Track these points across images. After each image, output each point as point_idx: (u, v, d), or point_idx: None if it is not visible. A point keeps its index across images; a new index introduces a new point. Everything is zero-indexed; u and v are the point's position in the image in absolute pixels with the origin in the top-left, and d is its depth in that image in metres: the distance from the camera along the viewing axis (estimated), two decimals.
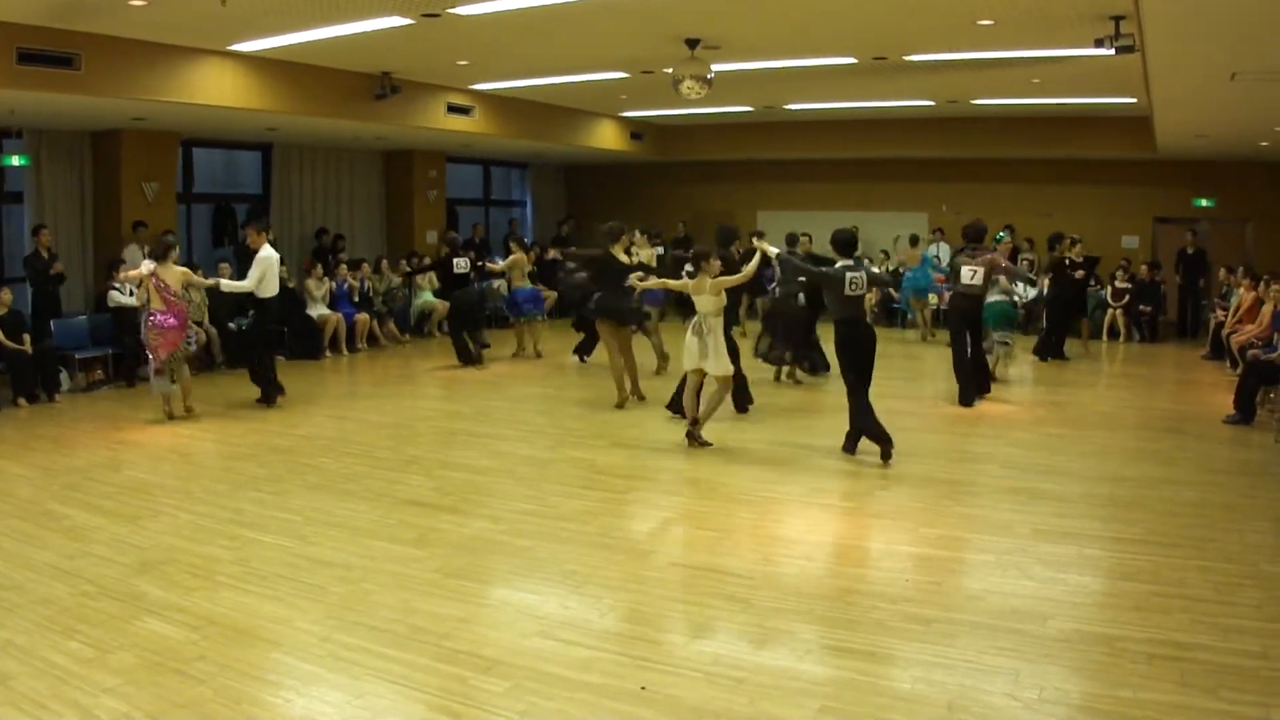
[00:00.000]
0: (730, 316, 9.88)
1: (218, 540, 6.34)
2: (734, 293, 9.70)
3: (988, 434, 9.67)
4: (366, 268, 15.63)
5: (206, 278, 11.37)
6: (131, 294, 12.23)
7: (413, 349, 14.52)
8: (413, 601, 5.34)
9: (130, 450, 8.85)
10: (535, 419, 10.23)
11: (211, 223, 16.09)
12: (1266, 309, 11.88)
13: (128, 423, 9.95)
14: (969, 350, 11.03)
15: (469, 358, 13.42)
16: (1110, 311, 16.52)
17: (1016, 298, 12.72)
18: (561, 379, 12.98)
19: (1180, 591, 5.44)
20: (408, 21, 9.57)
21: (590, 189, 23.00)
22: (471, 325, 13.73)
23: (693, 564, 5.99)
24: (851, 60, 11.83)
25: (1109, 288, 16.62)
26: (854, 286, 8.42)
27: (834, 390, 11.76)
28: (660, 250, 16.48)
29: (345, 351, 14.71)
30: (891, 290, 17.09)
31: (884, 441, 8.33)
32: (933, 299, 17.35)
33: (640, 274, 10.39)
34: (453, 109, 14.61)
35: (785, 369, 12.19)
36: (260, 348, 10.90)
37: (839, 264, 8.50)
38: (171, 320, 9.75)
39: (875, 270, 8.03)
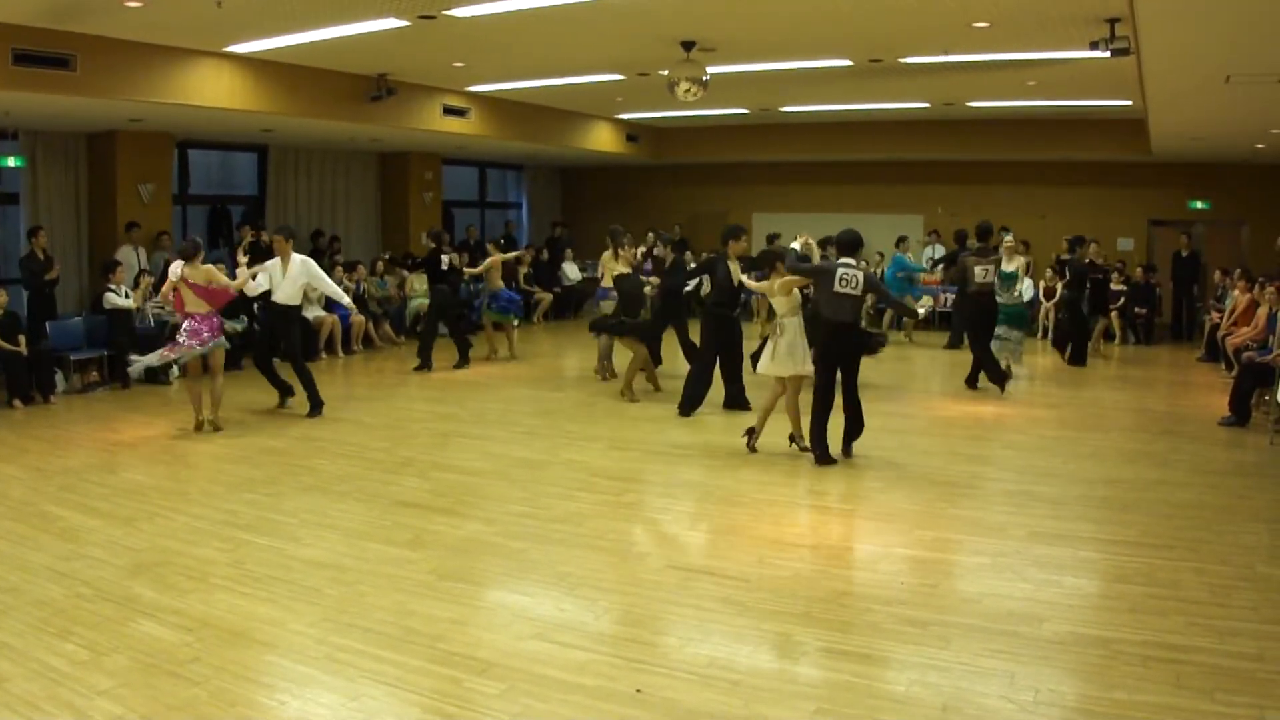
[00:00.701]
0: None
1: (212, 542, 6.33)
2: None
3: (982, 436, 9.68)
4: (362, 269, 15.60)
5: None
6: (127, 296, 12.22)
7: (408, 351, 14.46)
8: (407, 603, 5.33)
9: (125, 452, 8.84)
10: (530, 421, 10.22)
11: (207, 224, 16.07)
12: (1261, 311, 11.91)
13: (123, 424, 9.93)
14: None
15: (429, 361, 13.38)
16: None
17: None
18: (557, 381, 12.98)
19: (1175, 594, 5.44)
20: (404, 23, 9.57)
21: (586, 191, 23.01)
22: (450, 324, 13.71)
23: (688, 566, 5.99)
24: (847, 62, 11.84)
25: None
26: (845, 284, 8.23)
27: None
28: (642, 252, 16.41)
29: (341, 353, 14.70)
30: (905, 303, 16.63)
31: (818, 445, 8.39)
32: (927, 300, 17.41)
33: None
34: (448, 111, 14.61)
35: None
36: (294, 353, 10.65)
37: (838, 262, 8.39)
38: (212, 322, 9.48)
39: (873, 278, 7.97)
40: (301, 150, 16.54)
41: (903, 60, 11.60)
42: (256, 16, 9.40)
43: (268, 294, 10.35)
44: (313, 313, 14.47)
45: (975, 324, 11.83)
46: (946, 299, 17.26)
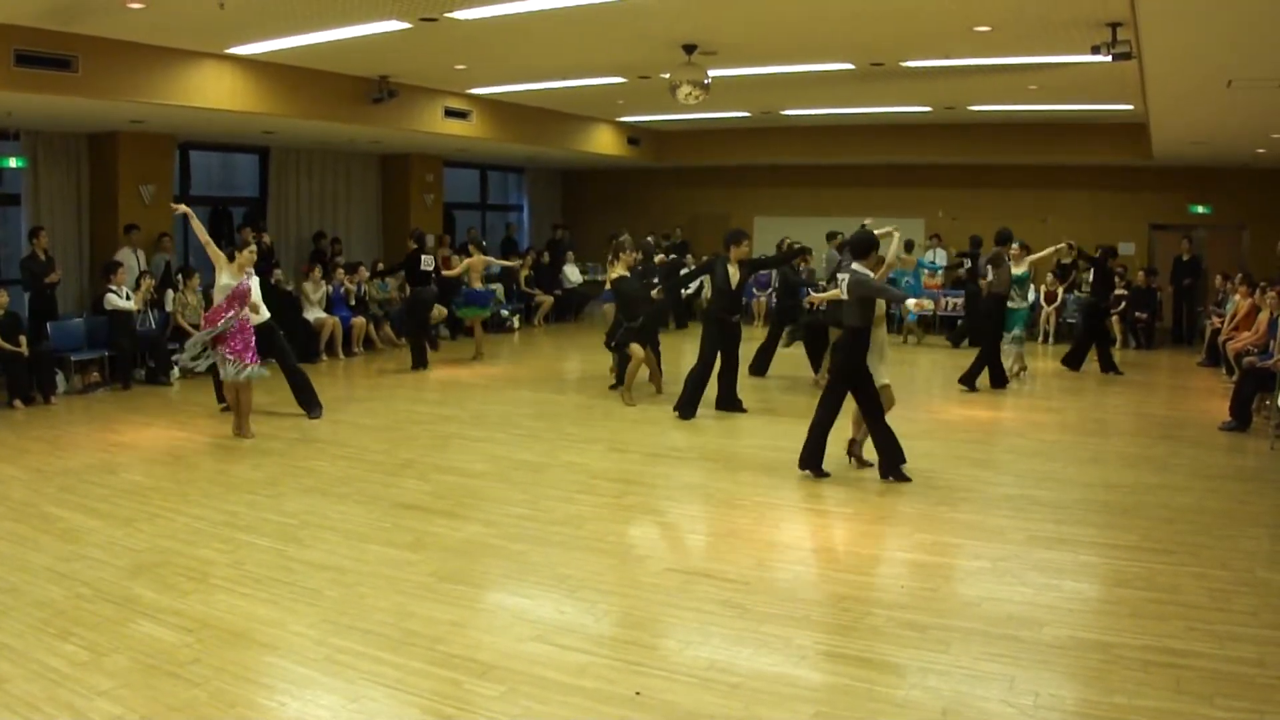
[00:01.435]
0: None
1: (212, 543, 6.33)
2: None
3: (982, 440, 9.68)
4: (364, 271, 15.60)
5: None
6: (129, 297, 12.22)
7: (408, 353, 14.42)
8: (407, 605, 5.33)
9: (125, 453, 8.84)
10: (531, 423, 10.23)
11: (209, 226, 16.07)
12: (1263, 316, 11.90)
13: (123, 425, 9.94)
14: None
15: (423, 362, 13.48)
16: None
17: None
18: (557, 383, 12.98)
19: (1176, 598, 5.44)
20: (405, 25, 9.58)
21: (587, 194, 23.03)
22: (423, 325, 13.81)
23: (688, 569, 5.99)
24: (849, 66, 11.85)
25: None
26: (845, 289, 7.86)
27: None
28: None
29: (341, 355, 14.70)
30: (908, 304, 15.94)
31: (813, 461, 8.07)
32: (927, 303, 17.38)
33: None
34: (450, 113, 14.62)
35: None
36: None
37: (853, 268, 7.89)
38: (249, 332, 9.39)
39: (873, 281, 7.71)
40: (303, 152, 16.55)
41: (904, 64, 11.61)
42: (258, 18, 9.41)
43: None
44: (313, 314, 14.48)
45: (987, 325, 12.10)
46: (949, 303, 17.28)
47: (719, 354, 10.36)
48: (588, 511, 7.12)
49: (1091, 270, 14.69)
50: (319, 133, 14.23)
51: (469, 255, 15.29)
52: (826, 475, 8.01)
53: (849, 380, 7.89)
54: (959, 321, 16.94)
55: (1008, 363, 12.56)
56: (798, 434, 9.67)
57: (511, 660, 4.65)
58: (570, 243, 20.99)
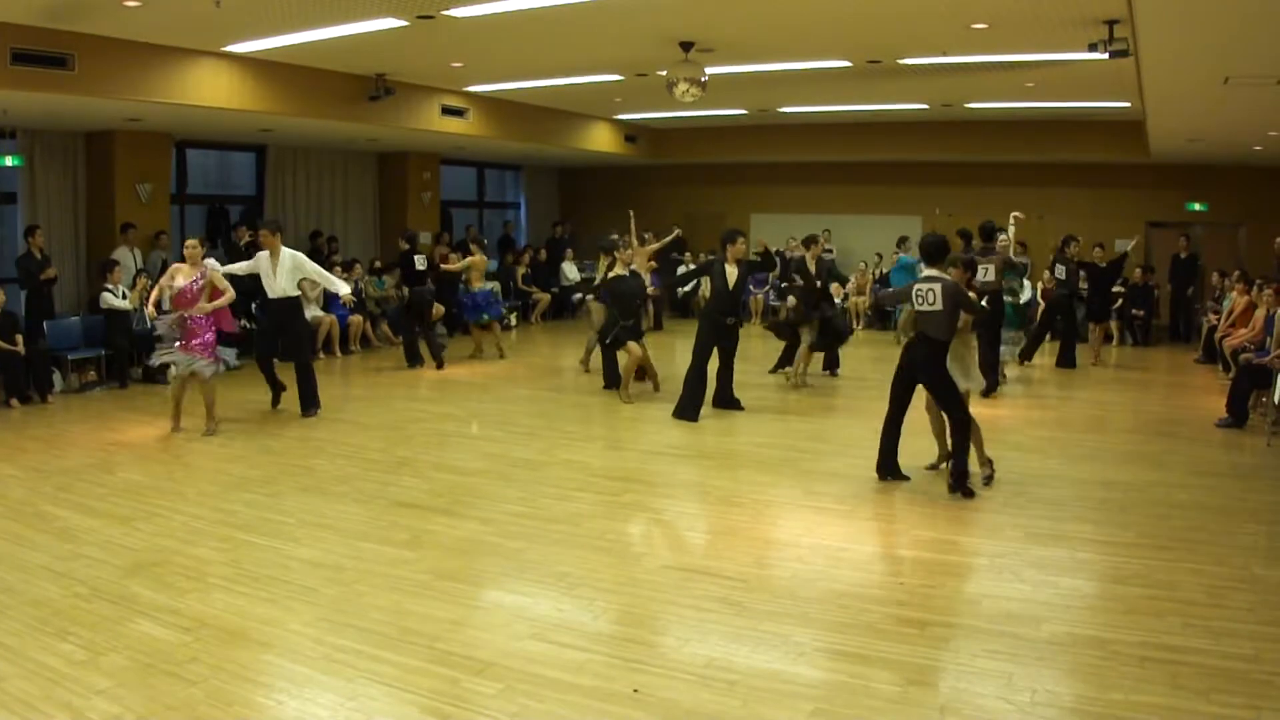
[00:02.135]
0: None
1: (210, 542, 6.33)
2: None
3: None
4: (360, 269, 15.59)
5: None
6: (124, 296, 12.21)
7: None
8: (405, 603, 5.33)
9: (123, 452, 8.83)
10: (528, 421, 10.22)
11: (205, 224, 16.06)
12: (1259, 313, 11.91)
13: (120, 424, 9.93)
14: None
15: (417, 359, 13.48)
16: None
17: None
18: (555, 381, 12.98)
19: (1172, 594, 5.45)
20: (402, 23, 9.57)
21: (585, 191, 23.01)
22: (424, 324, 13.77)
23: (686, 566, 5.99)
24: (846, 64, 11.85)
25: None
26: (923, 300, 7.33)
27: (828, 392, 11.80)
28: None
29: (339, 353, 14.70)
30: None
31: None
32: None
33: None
34: (447, 111, 14.61)
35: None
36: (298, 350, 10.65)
37: (924, 274, 7.46)
38: (210, 333, 9.48)
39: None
40: (300, 150, 16.53)
41: (901, 61, 11.61)
42: (255, 16, 9.40)
43: (263, 294, 10.34)
44: (310, 313, 14.47)
45: (984, 324, 11.89)
46: None
47: (715, 352, 10.34)
48: (586, 509, 7.13)
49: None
50: (316, 131, 14.21)
51: (469, 254, 15.27)
52: (906, 478, 7.84)
53: (945, 391, 7.48)
54: None
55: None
56: (795, 431, 9.72)
57: (509, 658, 4.65)
58: (570, 240, 21.00)
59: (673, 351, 13.94)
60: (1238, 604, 5.31)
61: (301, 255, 10.46)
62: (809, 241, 12.32)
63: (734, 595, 5.46)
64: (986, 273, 11.54)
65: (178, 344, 9.27)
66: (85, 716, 4.06)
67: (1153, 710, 4.14)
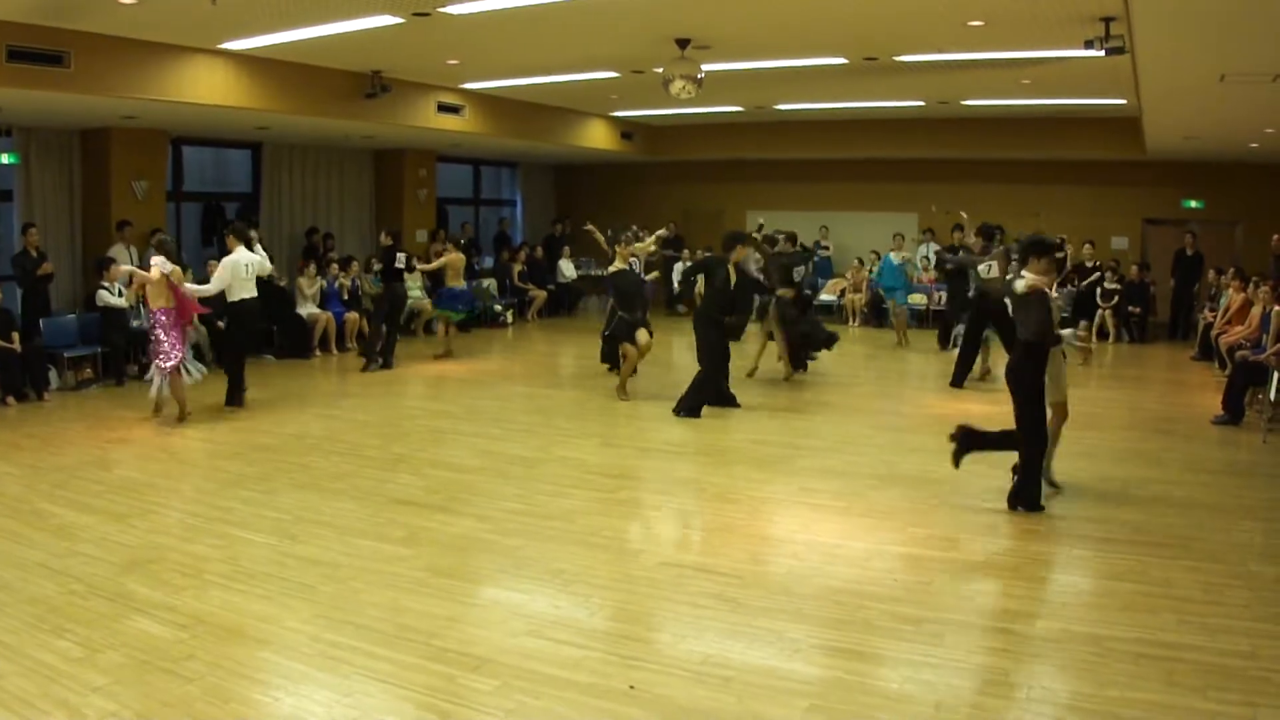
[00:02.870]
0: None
1: (206, 539, 6.33)
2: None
3: None
4: (356, 266, 15.58)
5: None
6: (121, 294, 12.20)
7: (402, 348, 14.43)
8: (401, 600, 5.33)
9: (119, 449, 8.83)
10: (524, 418, 10.23)
11: (201, 222, 16.06)
12: (1255, 310, 11.92)
13: (117, 421, 9.92)
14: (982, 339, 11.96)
15: (376, 358, 13.34)
16: (1100, 312, 16.54)
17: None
18: (551, 378, 12.98)
19: (1168, 591, 5.46)
20: (398, 20, 9.56)
21: (581, 188, 23.00)
22: (392, 323, 13.71)
23: (682, 563, 5.99)
24: (842, 61, 11.85)
25: (1099, 289, 16.61)
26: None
27: (824, 388, 11.81)
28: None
29: (335, 350, 14.68)
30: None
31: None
32: (918, 298, 17.52)
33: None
34: (443, 108, 14.61)
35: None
36: (230, 349, 10.88)
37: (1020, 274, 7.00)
38: (181, 327, 9.77)
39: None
40: (296, 147, 16.51)
41: (897, 59, 11.61)
42: (251, 13, 9.39)
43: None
44: (306, 310, 14.46)
45: (977, 316, 12.03)
46: (940, 297, 17.28)
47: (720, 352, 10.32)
48: (581, 506, 7.13)
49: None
50: (312, 128, 14.20)
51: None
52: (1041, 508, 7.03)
53: (1030, 400, 6.94)
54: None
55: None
56: (792, 429, 9.72)
57: (505, 655, 4.65)
58: (568, 238, 21.00)
59: (669, 349, 13.92)
60: (1234, 601, 5.32)
61: (235, 256, 10.61)
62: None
63: (729, 592, 5.47)
64: (990, 269, 11.71)
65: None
66: (82, 714, 4.06)
67: (1148, 707, 4.14)
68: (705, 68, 10.88)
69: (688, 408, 10.12)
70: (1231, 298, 13.15)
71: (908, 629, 4.96)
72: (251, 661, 4.59)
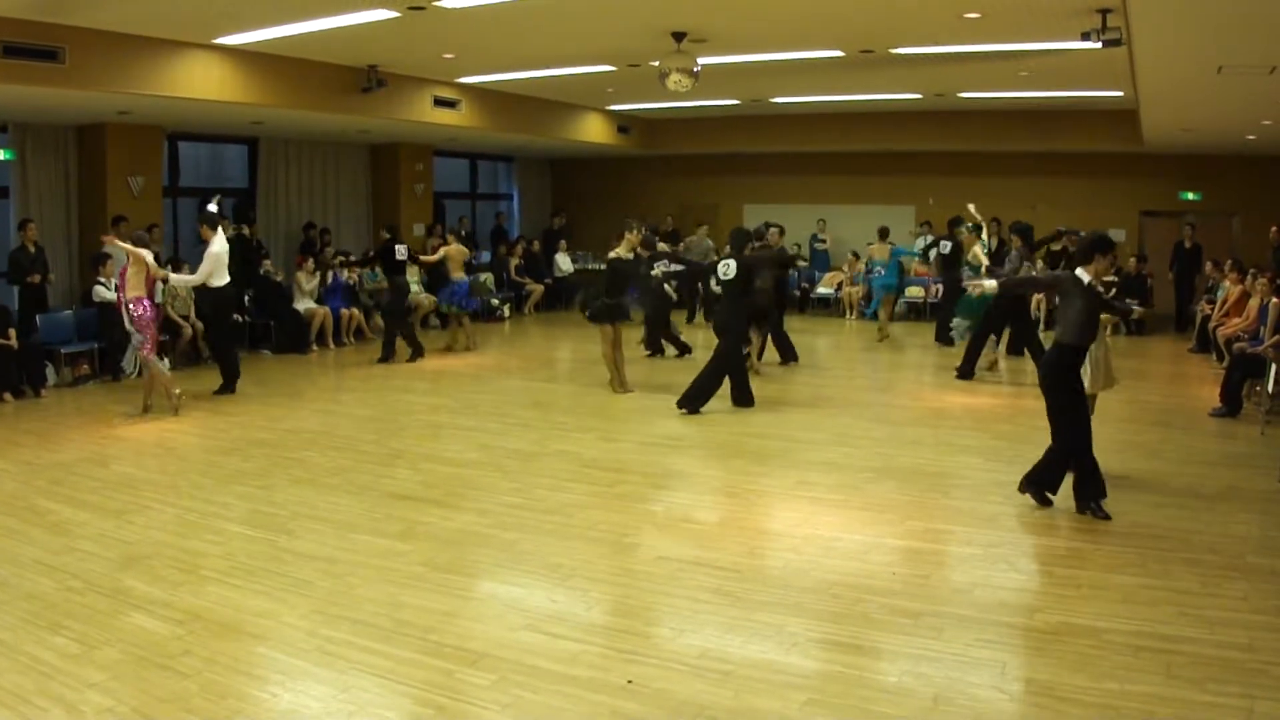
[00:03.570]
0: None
1: (203, 535, 6.32)
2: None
3: (971, 427, 9.68)
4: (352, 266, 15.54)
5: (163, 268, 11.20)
6: (117, 289, 12.16)
7: (400, 343, 14.42)
8: (398, 595, 5.32)
9: (116, 445, 8.81)
10: (522, 412, 10.22)
11: (197, 216, 16.00)
12: (1253, 302, 11.92)
13: (113, 418, 9.90)
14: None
15: (393, 353, 13.38)
16: None
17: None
18: (549, 372, 12.97)
19: (1166, 584, 5.45)
20: (394, 14, 9.54)
21: (577, 182, 22.98)
22: (390, 317, 13.74)
23: (679, 557, 5.98)
24: (838, 53, 11.84)
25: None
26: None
27: (820, 385, 11.80)
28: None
29: (332, 345, 14.67)
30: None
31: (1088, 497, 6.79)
32: (916, 290, 17.53)
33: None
34: (439, 102, 14.58)
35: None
36: (219, 336, 11.04)
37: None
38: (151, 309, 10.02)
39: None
40: (291, 142, 16.48)
41: (894, 51, 11.59)
42: (246, 8, 9.38)
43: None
44: (304, 305, 14.45)
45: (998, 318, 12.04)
46: (937, 290, 17.25)
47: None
48: (579, 500, 7.12)
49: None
50: (308, 123, 14.18)
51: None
52: (1108, 516, 6.70)
53: (1068, 403, 6.84)
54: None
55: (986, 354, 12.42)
56: (790, 422, 9.71)
57: (503, 649, 4.64)
58: (565, 231, 20.96)
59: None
60: (1232, 593, 5.32)
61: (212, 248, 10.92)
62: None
63: (727, 586, 5.46)
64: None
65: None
66: (79, 710, 4.05)
67: (1147, 699, 4.14)
68: (701, 61, 10.87)
69: (688, 399, 10.05)
70: (1229, 290, 13.15)
71: (906, 622, 4.96)
72: (248, 657, 4.59)
